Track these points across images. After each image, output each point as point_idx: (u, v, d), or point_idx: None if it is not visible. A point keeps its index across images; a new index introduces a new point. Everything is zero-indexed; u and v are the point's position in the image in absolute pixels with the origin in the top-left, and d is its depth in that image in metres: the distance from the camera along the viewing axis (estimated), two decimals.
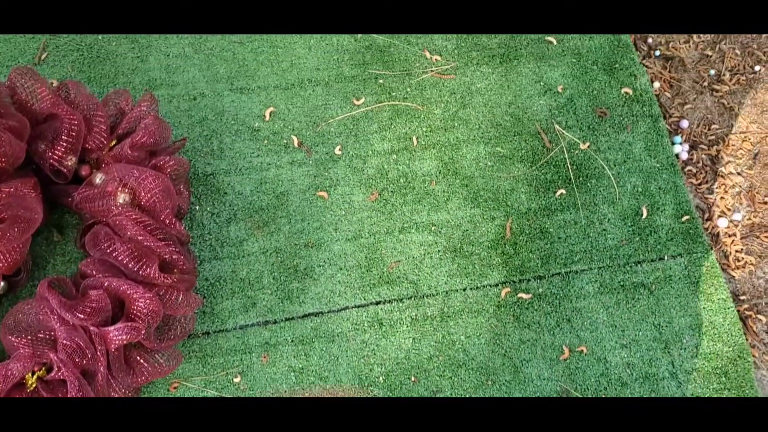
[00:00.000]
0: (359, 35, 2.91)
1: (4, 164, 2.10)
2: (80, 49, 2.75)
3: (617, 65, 3.02)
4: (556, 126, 2.87)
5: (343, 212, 2.64)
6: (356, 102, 2.81)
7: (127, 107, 2.42)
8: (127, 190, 2.25)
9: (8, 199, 2.13)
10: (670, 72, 3.21)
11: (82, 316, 2.04)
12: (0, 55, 2.70)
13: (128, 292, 2.10)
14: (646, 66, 3.16)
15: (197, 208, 2.57)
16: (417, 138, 2.79)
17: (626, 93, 2.97)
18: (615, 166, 2.83)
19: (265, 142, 2.70)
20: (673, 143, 2.98)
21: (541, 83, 2.93)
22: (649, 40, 3.25)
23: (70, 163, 2.30)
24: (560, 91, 2.93)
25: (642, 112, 2.94)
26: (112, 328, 2.06)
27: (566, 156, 2.82)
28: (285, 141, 2.71)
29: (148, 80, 2.73)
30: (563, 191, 2.76)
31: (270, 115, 2.74)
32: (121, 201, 2.25)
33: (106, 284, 2.11)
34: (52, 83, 2.68)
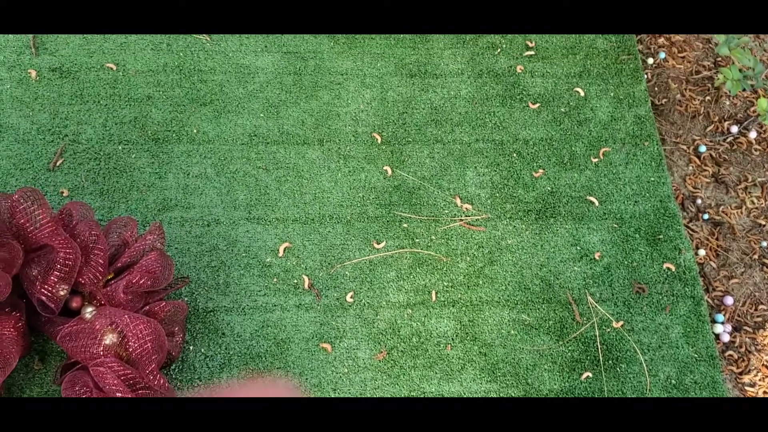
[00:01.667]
0: (389, 173, 2.76)
1: None
2: (98, 158, 2.64)
3: (661, 236, 2.79)
4: (589, 297, 2.64)
5: (346, 370, 2.43)
6: (376, 245, 2.64)
7: (131, 239, 2.27)
8: (117, 332, 2.09)
9: None
10: (717, 239, 2.98)
11: None
12: (16, 156, 2.60)
13: None
14: (692, 230, 2.93)
15: (191, 348, 2.39)
16: (436, 293, 2.59)
17: (668, 269, 2.74)
18: (649, 351, 2.58)
19: (275, 280, 2.53)
20: (714, 321, 2.73)
21: (578, 247, 2.72)
22: (698, 201, 3.03)
23: (62, 293, 2.15)
24: (597, 258, 2.71)
25: (684, 292, 2.70)
26: None
27: (597, 333, 2.58)
28: (295, 281, 2.54)
29: (163, 199, 2.60)
30: (589, 374, 2.51)
31: (284, 251, 2.58)
32: (108, 342, 2.09)
33: None
34: (62, 192, 2.57)
